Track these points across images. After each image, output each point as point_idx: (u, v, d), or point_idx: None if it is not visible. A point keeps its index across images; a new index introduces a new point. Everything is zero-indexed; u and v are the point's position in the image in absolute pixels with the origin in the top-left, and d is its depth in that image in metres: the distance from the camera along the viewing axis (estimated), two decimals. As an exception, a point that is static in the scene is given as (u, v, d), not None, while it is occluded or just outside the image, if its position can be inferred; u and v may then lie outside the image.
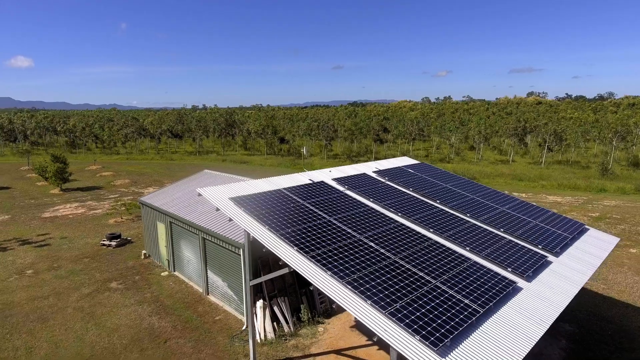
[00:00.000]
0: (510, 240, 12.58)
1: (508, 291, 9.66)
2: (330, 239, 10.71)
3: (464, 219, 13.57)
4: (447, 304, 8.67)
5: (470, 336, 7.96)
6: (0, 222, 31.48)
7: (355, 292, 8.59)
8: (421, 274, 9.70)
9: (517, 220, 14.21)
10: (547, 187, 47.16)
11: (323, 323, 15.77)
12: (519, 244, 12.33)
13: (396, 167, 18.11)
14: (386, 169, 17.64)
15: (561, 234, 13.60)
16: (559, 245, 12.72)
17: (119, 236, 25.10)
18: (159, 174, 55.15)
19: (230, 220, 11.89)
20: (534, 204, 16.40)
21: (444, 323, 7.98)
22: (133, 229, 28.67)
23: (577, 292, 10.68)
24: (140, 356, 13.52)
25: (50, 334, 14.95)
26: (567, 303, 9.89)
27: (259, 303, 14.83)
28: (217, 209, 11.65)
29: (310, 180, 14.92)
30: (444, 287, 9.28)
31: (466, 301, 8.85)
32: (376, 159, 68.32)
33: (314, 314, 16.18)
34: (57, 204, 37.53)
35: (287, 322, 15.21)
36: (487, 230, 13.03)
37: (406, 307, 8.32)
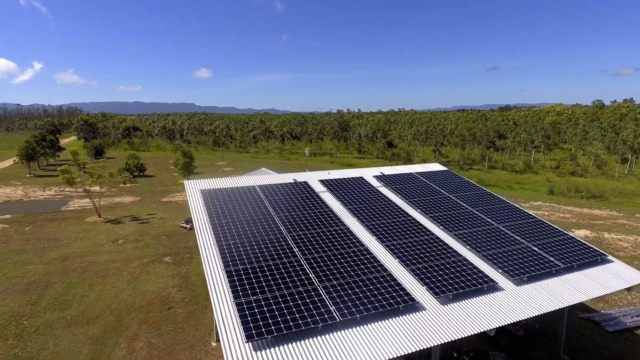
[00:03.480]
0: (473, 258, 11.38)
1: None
2: (254, 232, 11.56)
3: (429, 230, 12.66)
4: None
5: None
6: (131, 202, 39.72)
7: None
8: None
9: (499, 239, 12.57)
10: None
11: None
12: (480, 264, 11.10)
13: (403, 174, 17.47)
14: (390, 175, 17.19)
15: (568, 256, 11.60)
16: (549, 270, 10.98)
17: (194, 221, 29.50)
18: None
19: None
20: (549, 223, 14.00)
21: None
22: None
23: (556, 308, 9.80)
24: (144, 315, 16.39)
25: (101, 289, 19.06)
26: (535, 314, 9.28)
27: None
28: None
29: (293, 180, 15.74)
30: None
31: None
32: (491, 168, 62.53)
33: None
34: (176, 192, 45.22)
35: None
36: (444, 243, 11.97)
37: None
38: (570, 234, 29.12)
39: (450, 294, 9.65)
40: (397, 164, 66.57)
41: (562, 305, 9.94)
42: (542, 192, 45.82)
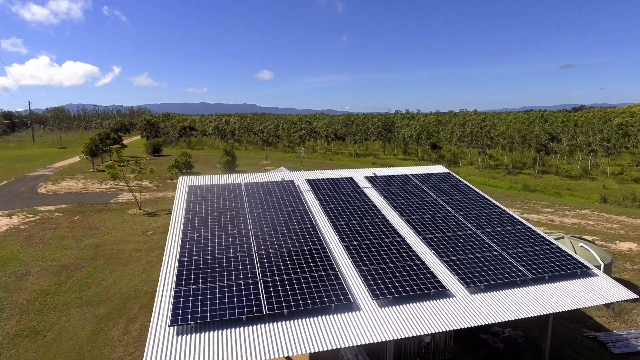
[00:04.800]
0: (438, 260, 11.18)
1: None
2: (221, 226, 12.20)
3: (398, 233, 12.52)
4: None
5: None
6: (172, 197, 42.42)
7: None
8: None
9: (471, 245, 12.12)
10: None
11: None
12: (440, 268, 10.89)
13: (396, 175, 17.24)
14: (382, 176, 17.07)
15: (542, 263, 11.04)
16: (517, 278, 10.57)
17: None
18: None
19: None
20: (538, 231, 13.19)
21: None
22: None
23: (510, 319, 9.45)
24: (147, 300, 17.74)
25: (119, 274, 20.84)
26: (477, 324, 9.08)
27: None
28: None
29: (281, 179, 16.21)
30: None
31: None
32: (544, 172, 58.50)
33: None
34: (215, 188, 47.49)
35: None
36: (407, 246, 11.79)
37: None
38: (612, 245, 26.67)
39: (391, 296, 9.58)
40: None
41: (514, 317, 9.45)
42: (594, 200, 42.15)
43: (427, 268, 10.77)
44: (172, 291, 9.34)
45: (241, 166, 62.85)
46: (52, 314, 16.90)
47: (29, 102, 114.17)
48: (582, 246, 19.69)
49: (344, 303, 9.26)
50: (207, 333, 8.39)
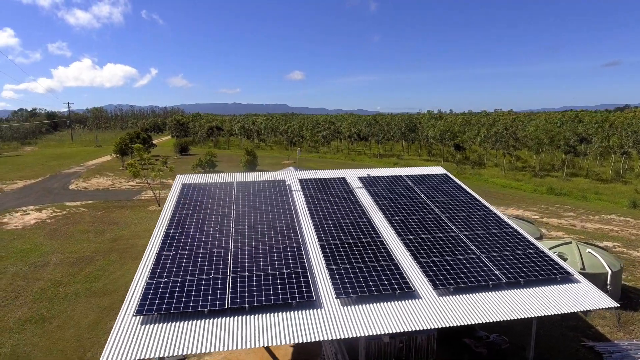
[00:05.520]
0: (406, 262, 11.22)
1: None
2: (204, 222, 12.67)
3: (377, 232, 12.58)
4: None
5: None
6: (191, 194, 43.66)
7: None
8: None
9: (449, 247, 12.02)
10: None
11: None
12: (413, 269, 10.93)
13: (389, 176, 17.24)
14: (374, 176, 17.10)
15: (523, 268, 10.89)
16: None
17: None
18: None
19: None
20: (524, 235, 12.88)
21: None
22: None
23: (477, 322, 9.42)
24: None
25: (129, 267, 21.84)
26: (440, 326, 9.12)
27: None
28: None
29: (274, 178, 16.56)
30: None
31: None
32: (573, 175, 56.13)
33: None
34: (234, 187, 48.50)
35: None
36: (383, 246, 11.84)
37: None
38: (634, 252, 25.47)
39: (354, 295, 9.70)
40: (463, 167, 63.13)
41: (478, 321, 9.34)
42: (623, 205, 40.11)
43: (398, 269, 10.79)
44: (145, 283, 9.85)
45: (263, 165, 63.91)
46: (61, 303, 17.98)
47: (68, 103, 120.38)
48: (589, 252, 18.96)
49: (306, 300, 9.46)
50: (169, 323, 8.83)
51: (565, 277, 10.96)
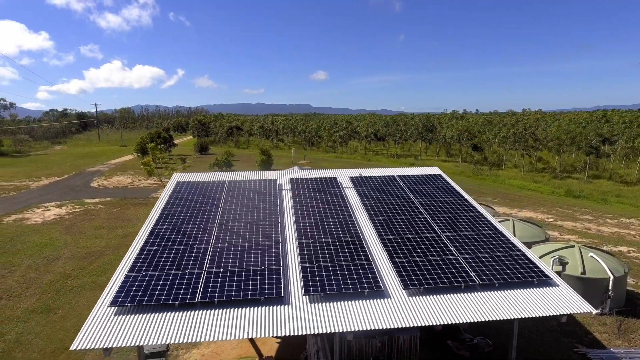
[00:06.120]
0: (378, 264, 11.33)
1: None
2: (191, 220, 13.10)
3: (357, 231, 12.71)
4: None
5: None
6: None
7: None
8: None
9: (428, 247, 12.02)
10: None
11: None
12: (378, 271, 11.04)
13: (382, 176, 17.28)
14: (366, 176, 17.18)
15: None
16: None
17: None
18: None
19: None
20: (509, 237, 12.71)
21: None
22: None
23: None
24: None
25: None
26: (404, 325, 9.22)
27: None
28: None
29: (265, 177, 16.89)
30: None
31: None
32: (596, 177, 54.22)
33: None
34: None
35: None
36: (360, 245, 11.95)
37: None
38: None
39: (322, 293, 9.88)
40: (481, 168, 61.91)
41: (443, 322, 9.35)
42: (645, 209, 38.51)
43: (371, 268, 10.89)
44: (124, 276, 10.32)
45: (278, 165, 64.48)
46: (67, 295, 18.87)
47: (95, 104, 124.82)
48: (591, 256, 18.44)
49: (274, 297, 9.71)
50: (140, 315, 9.25)
51: (543, 281, 10.80)
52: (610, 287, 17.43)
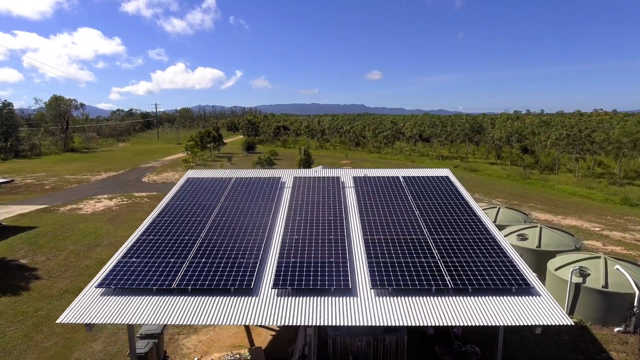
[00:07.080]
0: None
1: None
2: (188, 215, 14.01)
3: (342, 230, 12.91)
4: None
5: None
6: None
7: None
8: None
9: (411, 249, 11.95)
10: None
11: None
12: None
13: (385, 176, 17.22)
14: (370, 177, 17.22)
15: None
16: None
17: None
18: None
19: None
20: (501, 242, 12.26)
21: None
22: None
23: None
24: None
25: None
26: (365, 324, 9.41)
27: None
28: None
29: (270, 176, 17.50)
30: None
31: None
32: (662, 184, 49.28)
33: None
34: (285, 184, 50.49)
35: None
36: (340, 244, 12.15)
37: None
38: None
39: (290, 287, 10.24)
40: (531, 172, 58.50)
41: (405, 324, 9.32)
42: None
43: (345, 266, 11.07)
44: (116, 261, 11.36)
45: (318, 164, 65.11)
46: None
47: (155, 105, 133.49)
48: (617, 269, 17.11)
49: (244, 288, 10.23)
50: (122, 297, 10.19)
51: (523, 289, 10.35)
52: (635, 304, 16.07)
